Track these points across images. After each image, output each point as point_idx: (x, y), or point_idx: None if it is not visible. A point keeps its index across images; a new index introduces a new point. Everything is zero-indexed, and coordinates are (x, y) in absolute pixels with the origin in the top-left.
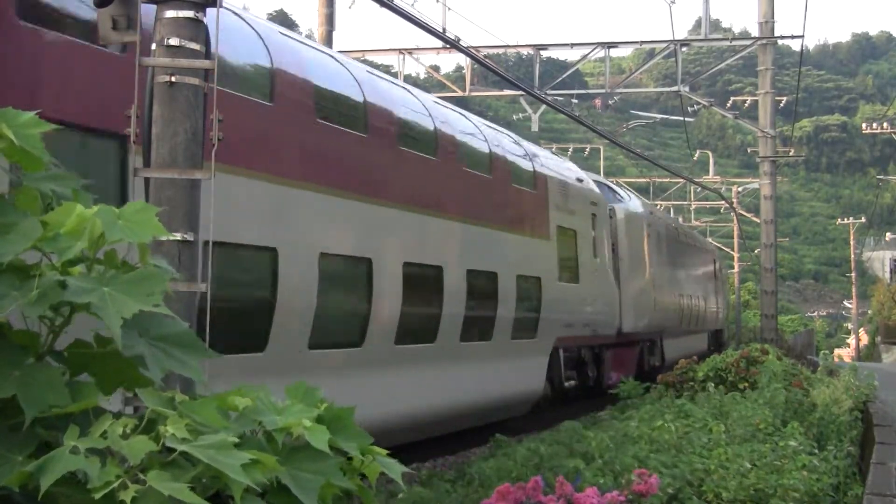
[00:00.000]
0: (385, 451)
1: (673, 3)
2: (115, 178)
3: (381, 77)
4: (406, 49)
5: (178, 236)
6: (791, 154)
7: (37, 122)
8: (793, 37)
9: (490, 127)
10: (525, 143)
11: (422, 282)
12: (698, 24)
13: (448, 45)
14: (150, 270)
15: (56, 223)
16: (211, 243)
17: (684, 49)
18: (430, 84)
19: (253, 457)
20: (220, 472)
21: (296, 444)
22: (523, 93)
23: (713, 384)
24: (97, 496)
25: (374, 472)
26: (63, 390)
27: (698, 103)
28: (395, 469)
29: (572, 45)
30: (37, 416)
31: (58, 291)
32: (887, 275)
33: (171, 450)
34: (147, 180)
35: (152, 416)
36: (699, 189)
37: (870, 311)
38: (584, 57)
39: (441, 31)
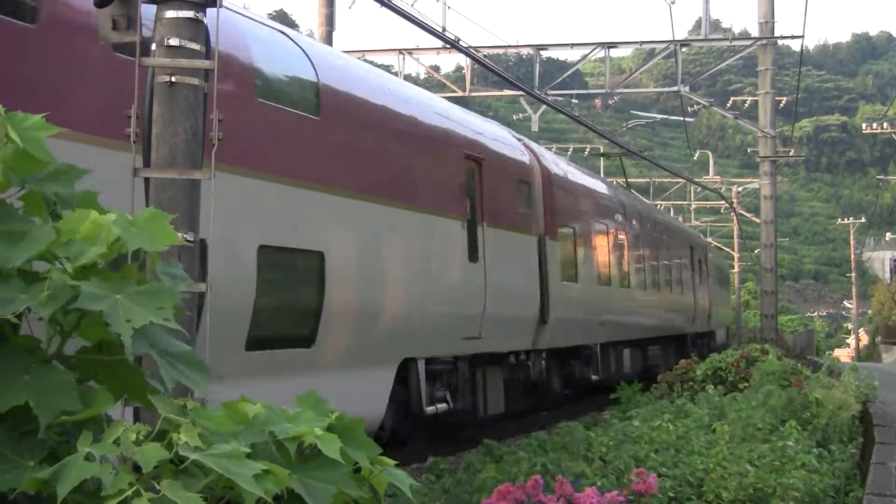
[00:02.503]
0: (394, 462)
1: (673, 3)
2: None
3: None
4: (406, 49)
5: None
6: (791, 154)
7: (43, 125)
8: (793, 37)
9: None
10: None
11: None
12: (698, 24)
13: (448, 45)
14: (164, 285)
15: (69, 230)
16: (211, 240)
17: (684, 49)
18: (430, 84)
19: (265, 467)
20: (232, 482)
21: (307, 452)
22: (523, 93)
23: (712, 384)
24: None
25: (382, 483)
26: (74, 396)
27: (698, 103)
28: (404, 480)
29: (572, 45)
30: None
31: (68, 292)
32: (887, 275)
33: (183, 457)
34: (147, 181)
35: (164, 425)
36: (699, 189)
37: (870, 311)
38: (584, 57)
39: (441, 31)
